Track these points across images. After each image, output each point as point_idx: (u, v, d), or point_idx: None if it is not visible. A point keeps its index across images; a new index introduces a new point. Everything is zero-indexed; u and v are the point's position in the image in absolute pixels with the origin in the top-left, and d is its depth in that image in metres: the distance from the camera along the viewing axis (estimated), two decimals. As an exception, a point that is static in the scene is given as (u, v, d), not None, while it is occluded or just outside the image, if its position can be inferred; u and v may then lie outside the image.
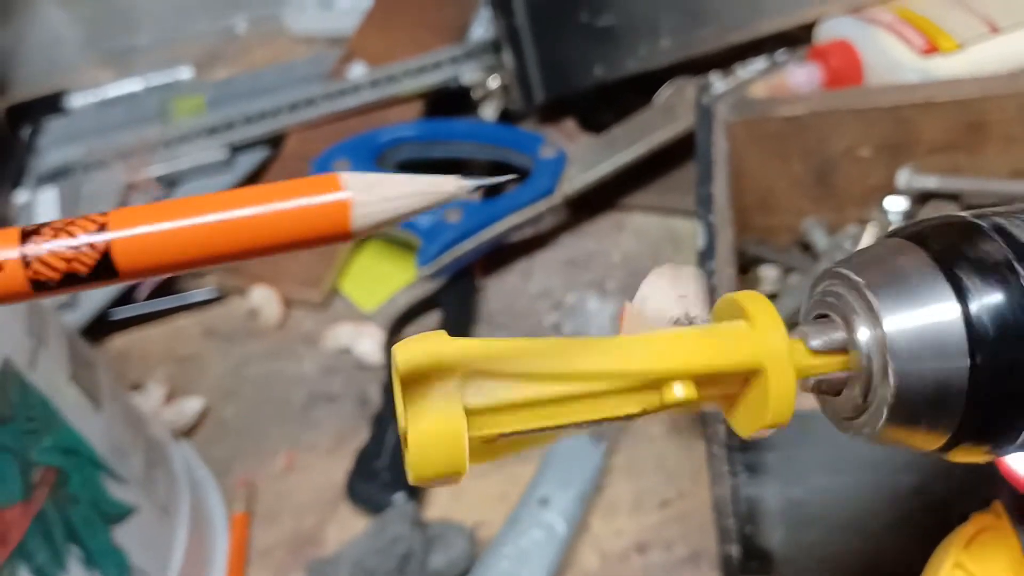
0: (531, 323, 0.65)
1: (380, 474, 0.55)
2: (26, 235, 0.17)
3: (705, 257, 0.45)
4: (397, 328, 0.65)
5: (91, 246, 0.16)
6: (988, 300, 0.21)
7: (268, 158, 0.77)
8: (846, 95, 0.54)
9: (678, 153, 0.68)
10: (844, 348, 0.22)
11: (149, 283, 0.71)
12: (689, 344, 0.21)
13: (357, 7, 0.88)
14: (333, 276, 0.70)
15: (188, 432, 0.63)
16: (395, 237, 0.69)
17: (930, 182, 0.53)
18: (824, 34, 0.64)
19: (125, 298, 0.70)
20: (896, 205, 0.53)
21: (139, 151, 0.77)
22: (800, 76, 0.60)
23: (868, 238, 0.50)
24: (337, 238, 0.18)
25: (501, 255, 0.68)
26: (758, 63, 0.68)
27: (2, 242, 0.16)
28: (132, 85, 0.91)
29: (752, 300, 0.22)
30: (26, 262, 0.16)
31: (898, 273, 0.22)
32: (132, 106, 0.86)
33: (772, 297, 0.53)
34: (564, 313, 0.64)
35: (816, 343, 0.22)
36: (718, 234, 0.46)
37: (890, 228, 0.51)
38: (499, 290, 0.67)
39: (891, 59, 0.60)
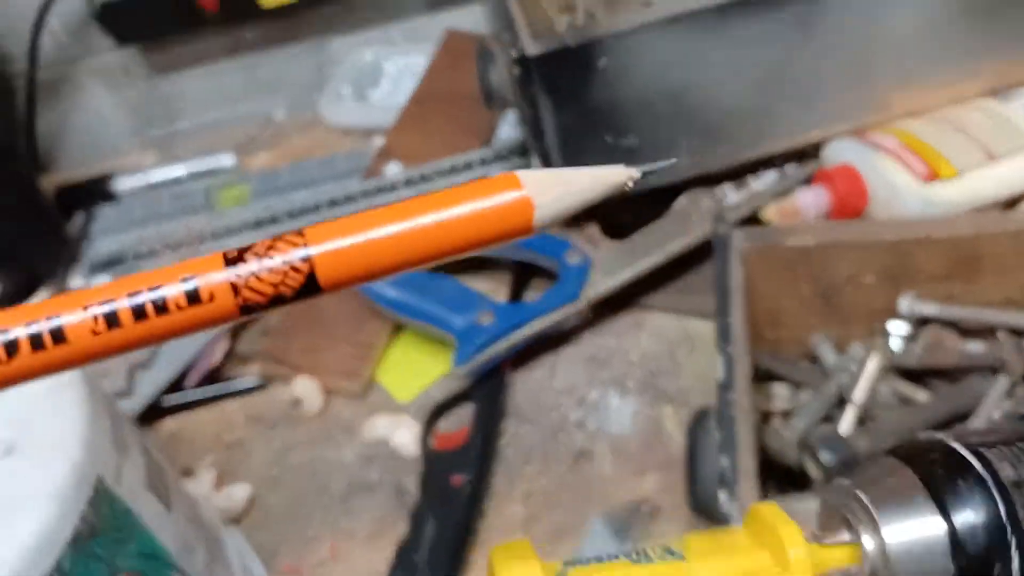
0: (556, 418, 0.70)
1: (419, 568, 0.60)
2: (230, 261, 0.17)
3: (725, 388, 0.50)
4: (432, 420, 0.70)
5: (295, 268, 0.17)
6: (968, 518, 0.26)
7: (309, 251, 0.82)
8: (851, 228, 0.59)
9: (693, 257, 0.73)
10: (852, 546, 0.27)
11: (199, 370, 0.76)
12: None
13: (391, 102, 0.94)
14: (371, 368, 0.74)
15: (237, 518, 0.67)
16: (429, 332, 0.74)
17: (929, 309, 0.57)
18: (831, 157, 0.69)
19: (176, 385, 0.75)
20: (898, 329, 0.58)
21: (188, 241, 0.82)
22: (809, 199, 0.65)
23: (872, 367, 0.55)
24: (520, 233, 0.18)
25: (528, 351, 0.73)
26: (768, 176, 0.73)
27: (209, 267, 0.17)
28: (176, 170, 0.96)
29: (775, 515, 0.27)
30: (236, 290, 0.17)
31: (894, 491, 0.27)
32: (178, 193, 0.91)
33: (785, 414, 0.58)
34: (587, 409, 0.69)
35: (828, 542, 0.27)
36: (736, 365, 0.51)
37: (891, 354, 0.56)
38: (526, 385, 0.72)
39: (894, 185, 0.65)
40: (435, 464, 0.66)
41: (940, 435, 0.28)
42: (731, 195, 0.73)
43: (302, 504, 0.69)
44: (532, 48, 0.62)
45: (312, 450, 0.72)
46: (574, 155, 0.68)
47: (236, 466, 0.71)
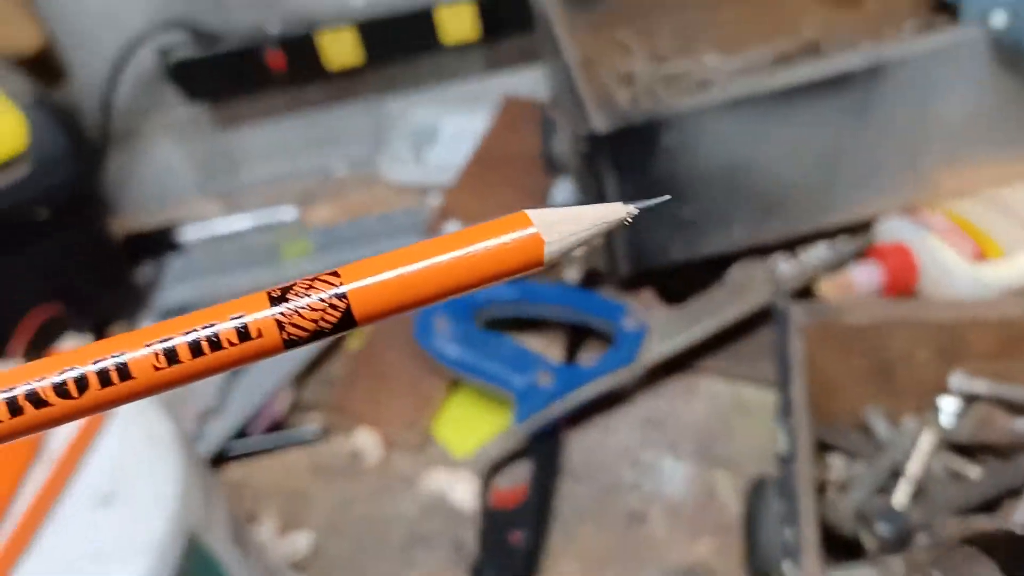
0: (611, 478, 0.72)
1: (481, 623, 0.62)
2: (274, 300, 0.18)
3: (788, 460, 0.52)
4: (489, 477, 0.72)
5: (333, 305, 0.18)
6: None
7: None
8: (906, 308, 0.61)
9: (746, 325, 0.76)
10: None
11: (265, 418, 0.79)
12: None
13: (447, 162, 0.97)
14: (429, 421, 0.77)
15: (300, 566, 0.70)
16: (487, 390, 0.77)
17: (980, 387, 0.60)
18: (883, 234, 0.72)
19: (240, 433, 0.78)
20: (949, 406, 0.60)
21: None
22: (863, 276, 0.68)
23: (926, 442, 0.57)
24: (532, 267, 0.19)
25: (583, 411, 0.76)
26: (819, 248, 0.76)
27: (256, 306, 0.18)
28: (239, 221, 1.00)
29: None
30: (281, 326, 0.18)
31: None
32: (243, 245, 0.95)
33: (840, 485, 0.60)
34: (641, 471, 0.71)
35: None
36: (798, 438, 0.53)
37: (943, 428, 0.58)
38: (581, 445, 0.74)
39: (944, 264, 0.67)
40: (494, 521, 0.68)
41: (1011, 526, 0.30)
42: (783, 266, 0.75)
43: (363, 554, 0.71)
44: (600, 124, 0.65)
45: (372, 501, 0.74)
46: (636, 223, 0.71)
47: (298, 514, 0.74)
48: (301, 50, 0.96)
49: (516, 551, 0.66)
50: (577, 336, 0.80)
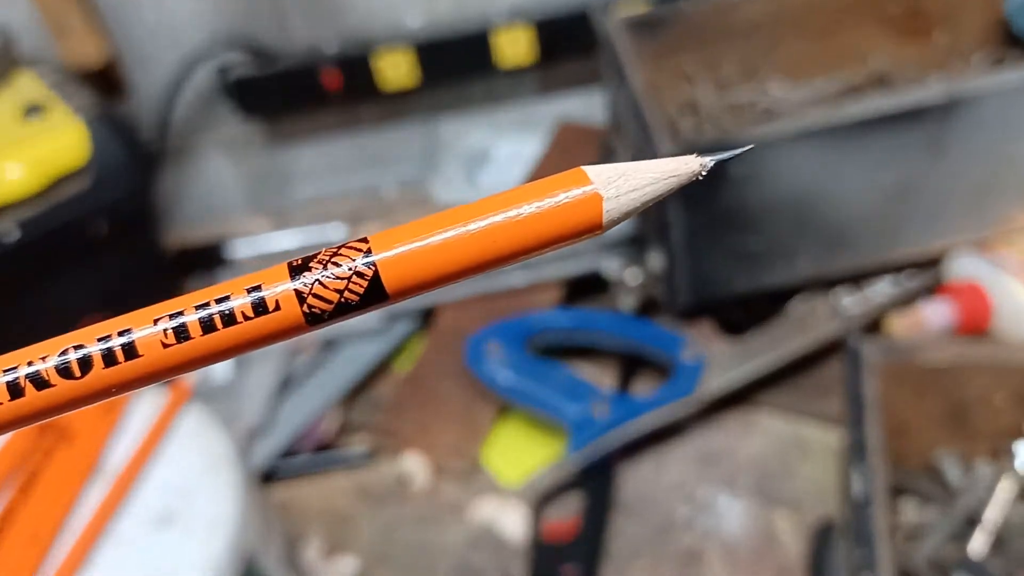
0: (663, 513, 0.70)
1: (533, 660, 0.60)
2: (295, 270, 0.16)
3: (862, 505, 0.50)
4: (540, 507, 0.71)
5: (360, 274, 0.16)
6: None
7: (420, 328, 0.84)
8: (984, 349, 0.59)
9: (808, 359, 0.74)
10: None
11: (312, 439, 0.78)
12: None
13: (500, 186, 0.96)
14: (479, 448, 0.76)
15: (346, 592, 0.69)
16: (538, 418, 0.75)
17: (1060, 434, 0.57)
18: (954, 271, 0.70)
19: (287, 454, 0.77)
20: (1027, 452, 0.57)
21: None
22: (934, 314, 0.66)
23: (1006, 489, 0.55)
24: (590, 231, 0.17)
25: (637, 443, 0.74)
26: (884, 284, 0.74)
27: (274, 279, 0.16)
28: (288, 238, 1.00)
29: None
30: (301, 298, 0.16)
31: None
32: (292, 263, 0.94)
33: (912, 531, 0.57)
34: (696, 508, 0.69)
35: None
36: (874, 482, 0.51)
37: (1021, 475, 0.55)
38: (634, 477, 0.73)
39: (1018, 303, 0.65)
40: (545, 554, 0.67)
41: None
42: (847, 300, 0.73)
43: (409, 582, 0.69)
44: (668, 153, 0.64)
45: (419, 528, 0.73)
46: (699, 253, 0.70)
47: (344, 538, 0.73)
48: (357, 70, 0.96)
49: (568, 586, 0.64)
50: (630, 366, 0.79)
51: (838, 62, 0.82)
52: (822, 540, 0.60)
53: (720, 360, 0.72)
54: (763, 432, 0.73)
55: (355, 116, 1.04)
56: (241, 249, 0.99)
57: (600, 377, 0.79)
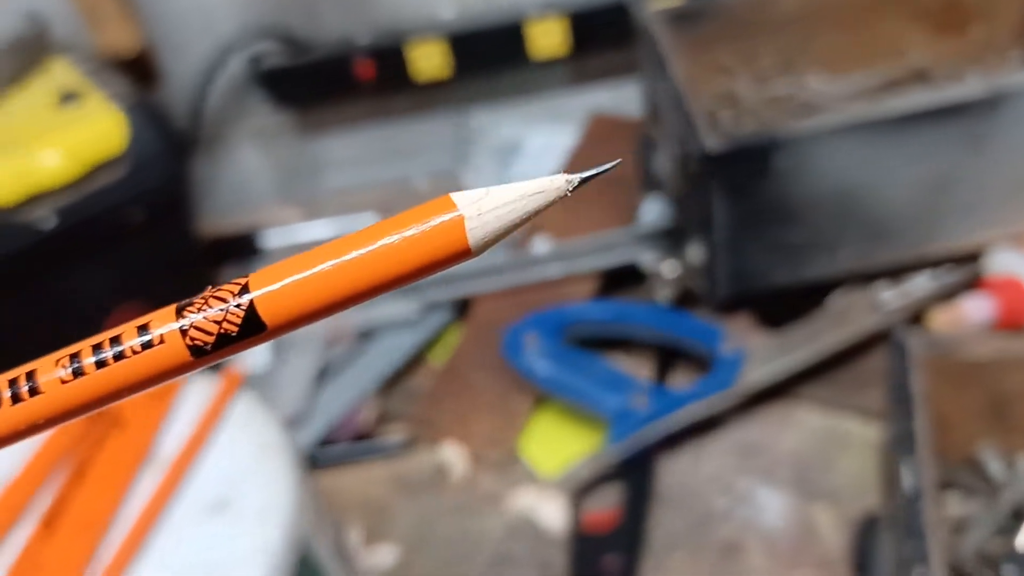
0: (702, 504, 0.70)
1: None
2: (180, 309, 0.18)
3: (912, 499, 0.51)
4: (580, 498, 0.71)
5: (237, 305, 0.17)
6: None
7: (455, 319, 0.85)
8: (1023, 345, 0.59)
9: (847, 353, 0.74)
10: None
11: (348, 429, 0.78)
12: None
13: (533, 175, 0.96)
14: (516, 439, 0.76)
15: (385, 580, 0.69)
16: (576, 409, 0.76)
17: (1107, 429, 0.57)
18: (994, 266, 0.70)
19: (324, 443, 0.77)
20: (1073, 447, 0.57)
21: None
22: (974, 308, 0.66)
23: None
24: (460, 257, 0.18)
25: (676, 435, 0.74)
26: (923, 278, 0.74)
27: (162, 319, 0.18)
28: (319, 228, 1.00)
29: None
30: (183, 331, 0.17)
31: None
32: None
33: (957, 526, 0.58)
34: (734, 500, 0.70)
35: None
36: (923, 475, 0.51)
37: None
38: (672, 469, 0.73)
39: (1061, 299, 0.65)
40: (585, 545, 0.67)
41: None
42: (886, 294, 0.73)
43: (448, 572, 0.70)
44: (713, 145, 0.64)
45: (456, 518, 0.73)
46: (740, 246, 0.70)
47: (381, 527, 0.73)
48: (390, 60, 0.96)
49: (609, 576, 0.65)
50: (667, 358, 0.79)
51: (874, 55, 0.81)
52: (866, 533, 0.60)
53: (759, 353, 0.73)
54: (802, 425, 0.74)
55: (387, 107, 1.04)
56: (273, 239, 0.99)
57: (636, 369, 0.79)
